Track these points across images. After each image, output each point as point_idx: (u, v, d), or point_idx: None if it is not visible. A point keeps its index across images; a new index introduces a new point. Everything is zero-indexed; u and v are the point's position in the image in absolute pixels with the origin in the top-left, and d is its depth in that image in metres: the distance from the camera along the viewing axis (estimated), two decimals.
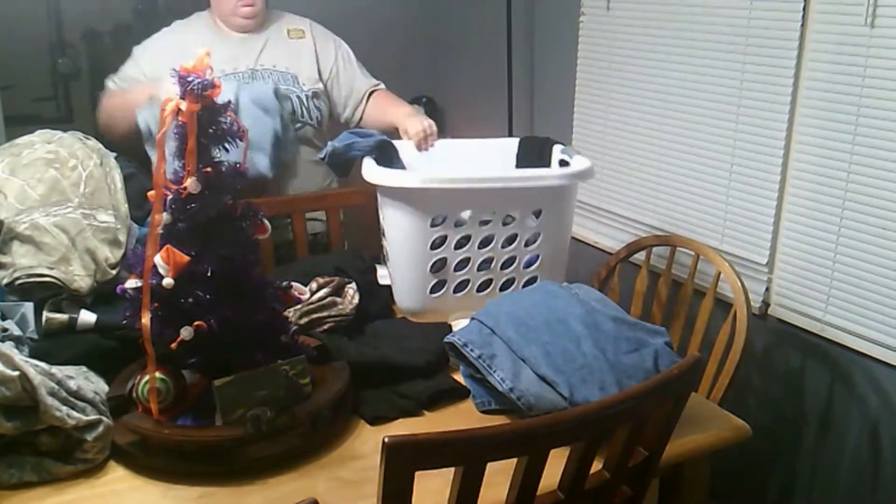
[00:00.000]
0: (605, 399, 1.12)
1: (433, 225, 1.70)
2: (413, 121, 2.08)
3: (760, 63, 2.09)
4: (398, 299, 1.82)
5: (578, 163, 1.82)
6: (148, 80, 2.14)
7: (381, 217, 1.84)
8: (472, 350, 1.40)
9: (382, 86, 2.39)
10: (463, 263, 1.74)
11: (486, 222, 1.73)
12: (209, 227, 1.29)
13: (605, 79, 2.61)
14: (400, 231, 1.72)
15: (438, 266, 1.73)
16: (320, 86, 2.28)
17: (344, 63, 2.33)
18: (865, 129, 1.87)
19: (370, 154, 1.85)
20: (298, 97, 2.21)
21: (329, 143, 1.94)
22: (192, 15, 2.30)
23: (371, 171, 1.75)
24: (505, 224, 1.73)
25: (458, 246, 1.72)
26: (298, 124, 2.21)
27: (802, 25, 1.98)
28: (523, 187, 1.73)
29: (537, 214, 1.75)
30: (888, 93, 1.82)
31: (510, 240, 1.75)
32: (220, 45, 2.17)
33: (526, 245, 1.76)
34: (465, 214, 1.72)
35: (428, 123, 2.07)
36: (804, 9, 1.97)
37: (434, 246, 1.71)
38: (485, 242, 1.73)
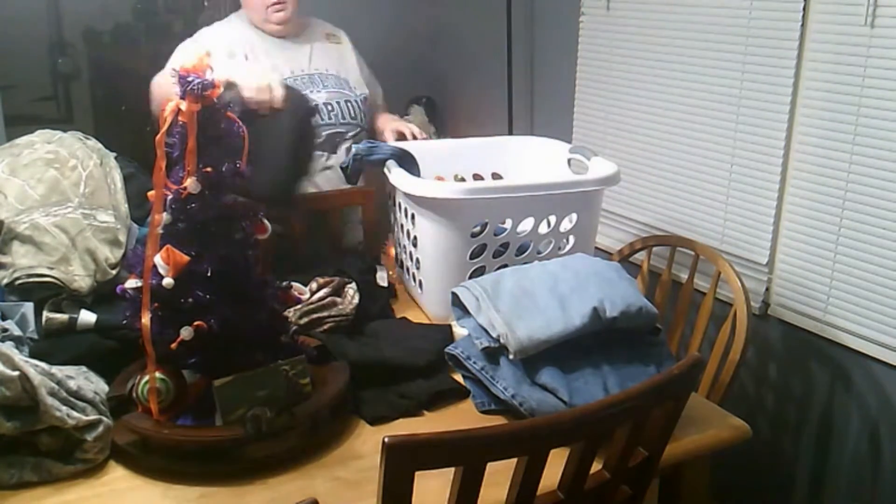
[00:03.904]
0: (605, 399, 1.11)
1: (473, 235, 1.68)
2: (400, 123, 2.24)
3: (760, 63, 2.09)
4: (427, 306, 1.80)
5: (599, 164, 1.83)
6: None
7: (400, 223, 1.83)
8: (474, 363, 1.41)
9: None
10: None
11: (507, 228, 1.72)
12: (209, 227, 1.29)
13: (605, 79, 2.61)
14: (437, 241, 1.69)
15: (476, 274, 1.70)
16: (366, 90, 2.27)
17: (369, 72, 2.36)
18: (865, 129, 1.87)
19: (393, 157, 1.84)
20: (356, 101, 2.20)
21: (353, 145, 1.93)
22: (230, 16, 2.24)
23: (407, 181, 1.71)
24: (539, 231, 1.72)
25: (496, 255, 1.71)
26: (358, 129, 2.20)
27: (802, 25, 1.98)
28: (564, 193, 1.71)
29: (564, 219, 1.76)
30: (888, 93, 1.82)
31: (546, 245, 1.75)
32: (271, 48, 2.16)
33: (559, 250, 1.76)
34: (507, 223, 1.71)
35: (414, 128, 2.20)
36: (804, 9, 1.97)
37: (473, 255, 1.70)
38: (521, 249, 1.73)
